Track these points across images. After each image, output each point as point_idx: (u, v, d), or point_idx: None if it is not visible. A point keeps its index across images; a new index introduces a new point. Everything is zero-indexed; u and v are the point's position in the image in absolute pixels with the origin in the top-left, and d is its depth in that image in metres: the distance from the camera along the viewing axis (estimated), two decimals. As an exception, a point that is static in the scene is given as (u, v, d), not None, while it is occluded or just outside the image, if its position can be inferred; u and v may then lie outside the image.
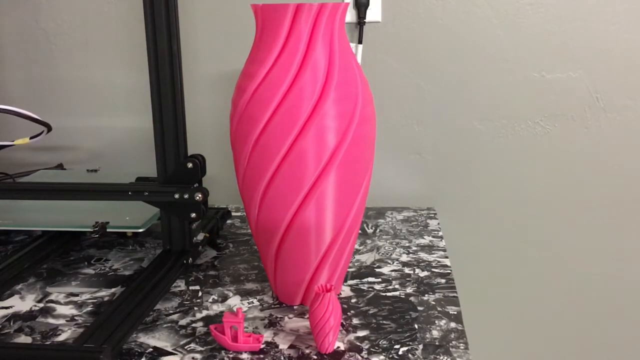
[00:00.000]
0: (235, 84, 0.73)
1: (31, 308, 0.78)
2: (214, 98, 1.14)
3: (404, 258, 0.90)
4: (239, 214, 1.11)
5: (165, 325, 0.73)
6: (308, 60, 0.68)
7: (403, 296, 0.79)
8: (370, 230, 1.01)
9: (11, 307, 0.78)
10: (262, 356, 0.66)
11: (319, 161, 0.69)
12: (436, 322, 0.72)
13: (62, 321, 0.74)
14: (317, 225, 0.72)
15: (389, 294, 0.79)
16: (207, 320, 0.74)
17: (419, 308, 0.75)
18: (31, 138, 0.96)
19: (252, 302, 0.78)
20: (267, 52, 0.69)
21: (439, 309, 0.75)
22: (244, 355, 0.66)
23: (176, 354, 0.67)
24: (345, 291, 0.80)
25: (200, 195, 0.83)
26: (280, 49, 0.69)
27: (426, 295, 0.79)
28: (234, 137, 0.73)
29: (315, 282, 0.75)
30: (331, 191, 0.70)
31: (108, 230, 0.88)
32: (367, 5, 1.06)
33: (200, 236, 0.91)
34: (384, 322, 0.72)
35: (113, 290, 0.82)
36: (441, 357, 0.65)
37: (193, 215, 0.84)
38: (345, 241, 0.74)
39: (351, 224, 0.74)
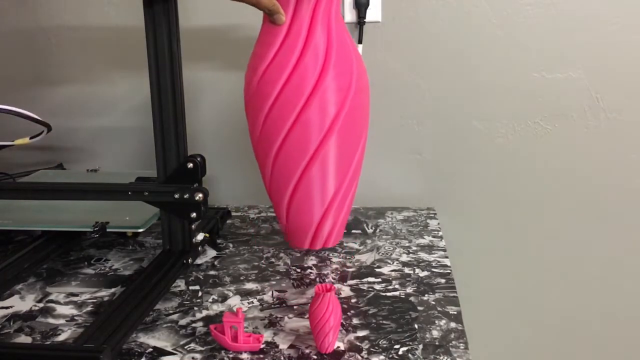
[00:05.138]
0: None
1: (31, 308, 0.78)
2: (214, 98, 1.14)
3: (404, 258, 0.90)
4: (239, 214, 1.11)
5: (165, 325, 0.73)
6: (309, 42, 0.79)
7: (403, 296, 0.79)
8: (370, 230, 1.01)
9: (11, 307, 0.78)
10: (262, 356, 0.66)
11: (321, 128, 0.81)
12: (436, 322, 0.72)
13: (62, 321, 0.74)
14: (321, 181, 0.84)
15: (389, 294, 0.79)
16: (207, 320, 0.74)
17: (419, 308, 0.75)
18: (31, 138, 0.96)
19: (252, 302, 0.78)
20: (275, 36, 0.80)
21: (439, 309, 0.75)
22: (244, 355, 0.66)
23: (176, 354, 0.67)
24: (345, 291, 0.80)
25: (200, 195, 0.83)
26: (285, 33, 0.79)
27: (426, 295, 0.79)
28: (248, 109, 0.85)
29: (321, 229, 0.88)
30: (332, 153, 0.83)
31: (108, 230, 0.88)
32: (367, 5, 1.06)
33: (200, 236, 0.91)
34: (384, 322, 0.72)
35: (113, 290, 0.82)
36: (441, 357, 0.65)
37: (193, 215, 0.84)
38: (345, 195, 0.87)
39: (350, 180, 0.86)
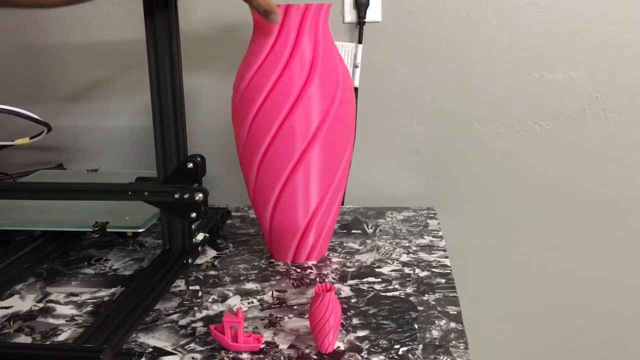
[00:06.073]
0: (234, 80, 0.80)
1: (31, 308, 0.78)
2: (214, 98, 1.14)
3: (404, 258, 0.90)
4: (239, 214, 1.11)
5: (165, 325, 0.73)
6: (296, 51, 0.80)
7: (403, 296, 0.79)
8: (370, 230, 1.01)
9: (11, 307, 0.78)
10: (262, 356, 0.66)
11: (305, 136, 0.81)
12: (436, 322, 0.72)
13: (62, 321, 0.74)
14: (305, 190, 0.84)
15: (389, 294, 0.79)
16: (207, 320, 0.74)
17: (419, 308, 0.75)
18: (31, 138, 0.97)
19: (252, 302, 0.78)
20: (263, 45, 0.81)
21: (439, 309, 0.75)
22: (244, 355, 0.66)
23: (176, 354, 0.67)
24: (345, 291, 0.80)
25: (200, 195, 0.83)
26: (273, 42, 0.81)
27: (426, 295, 0.79)
28: (234, 116, 0.85)
29: (304, 240, 0.87)
30: (316, 161, 0.83)
31: (108, 230, 0.88)
32: (367, 5, 1.06)
33: (200, 236, 0.91)
34: (384, 322, 0.72)
35: (113, 290, 0.82)
36: (441, 357, 0.65)
37: (193, 215, 0.84)
38: (329, 206, 0.86)
39: (334, 191, 0.86)
